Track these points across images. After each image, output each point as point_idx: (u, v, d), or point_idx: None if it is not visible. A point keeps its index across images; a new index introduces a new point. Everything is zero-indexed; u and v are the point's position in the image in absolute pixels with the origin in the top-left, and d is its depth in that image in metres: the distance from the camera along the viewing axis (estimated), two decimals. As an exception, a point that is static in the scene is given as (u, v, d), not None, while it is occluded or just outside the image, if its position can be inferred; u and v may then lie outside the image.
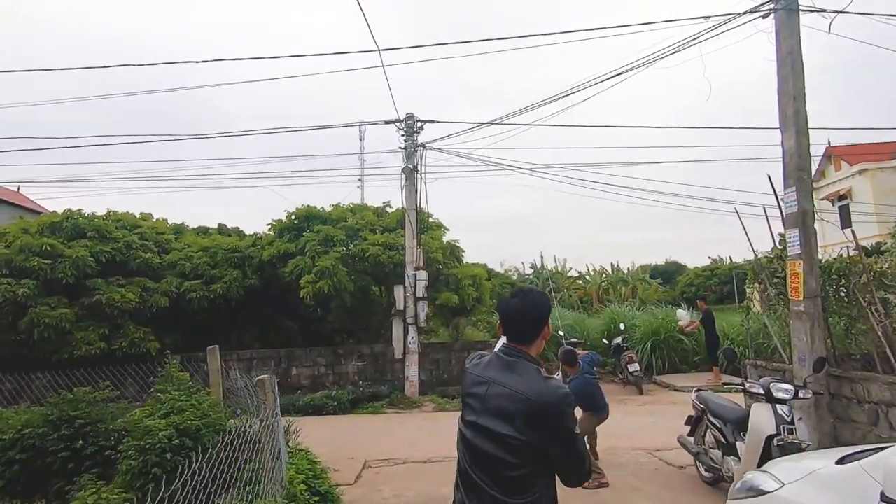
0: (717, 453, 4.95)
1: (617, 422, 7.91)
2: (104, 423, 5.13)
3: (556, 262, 31.77)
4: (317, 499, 3.61)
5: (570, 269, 32.00)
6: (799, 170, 4.76)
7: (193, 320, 12.22)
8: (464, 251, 14.11)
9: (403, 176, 11.09)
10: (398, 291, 11.08)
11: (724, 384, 5.64)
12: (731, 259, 35.99)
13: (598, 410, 5.67)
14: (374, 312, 13.87)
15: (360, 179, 27.02)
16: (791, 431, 4.12)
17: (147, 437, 4.05)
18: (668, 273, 36.81)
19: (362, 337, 14.21)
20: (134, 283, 11.58)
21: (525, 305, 1.85)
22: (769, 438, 4.17)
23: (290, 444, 4.82)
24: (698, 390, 5.67)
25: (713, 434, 5.05)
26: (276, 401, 3.69)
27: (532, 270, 30.84)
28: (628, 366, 11.26)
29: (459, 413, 1.94)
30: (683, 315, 12.95)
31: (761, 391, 4.37)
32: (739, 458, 4.57)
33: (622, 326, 12.73)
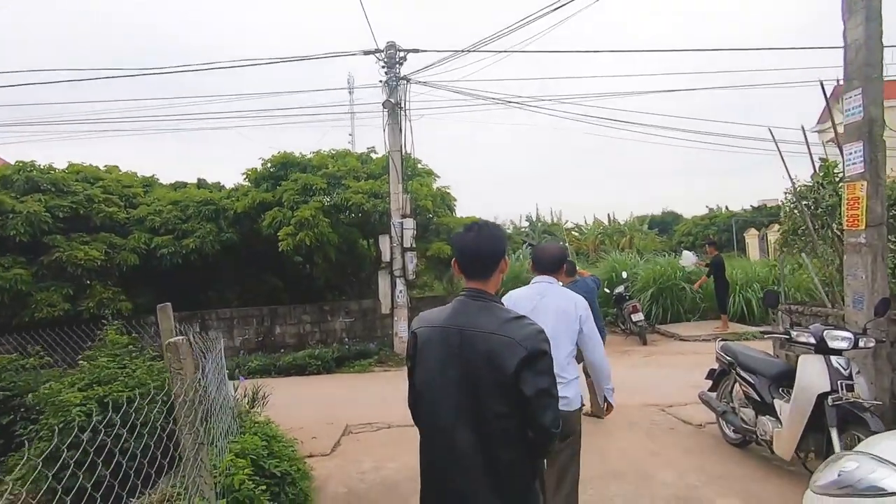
0: (748, 412, 4.26)
1: (623, 375, 7.26)
2: (34, 393, 4.42)
3: (552, 214, 31.10)
4: (264, 485, 2.89)
5: (567, 220, 31.35)
6: (867, 65, 3.82)
7: (168, 279, 11.41)
8: (456, 200, 13.17)
9: (385, 112, 9.97)
10: (384, 242, 10.24)
11: (763, 332, 4.90)
12: (727, 208, 35.38)
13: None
14: (362, 267, 13.13)
15: (350, 135, 25.72)
16: (850, 388, 3.39)
17: (61, 414, 3.29)
18: (664, 223, 36.13)
19: (351, 293, 13.52)
20: (98, 239, 10.69)
21: (481, 239, 1.80)
22: (822, 397, 3.45)
23: (244, 416, 4.08)
24: (723, 340, 4.94)
25: (744, 390, 4.35)
26: (205, 370, 2.91)
27: (528, 223, 30.12)
28: (632, 315, 10.63)
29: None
30: (690, 257, 12.22)
31: (811, 340, 3.62)
32: (778, 419, 3.88)
33: (624, 275, 12.02)
